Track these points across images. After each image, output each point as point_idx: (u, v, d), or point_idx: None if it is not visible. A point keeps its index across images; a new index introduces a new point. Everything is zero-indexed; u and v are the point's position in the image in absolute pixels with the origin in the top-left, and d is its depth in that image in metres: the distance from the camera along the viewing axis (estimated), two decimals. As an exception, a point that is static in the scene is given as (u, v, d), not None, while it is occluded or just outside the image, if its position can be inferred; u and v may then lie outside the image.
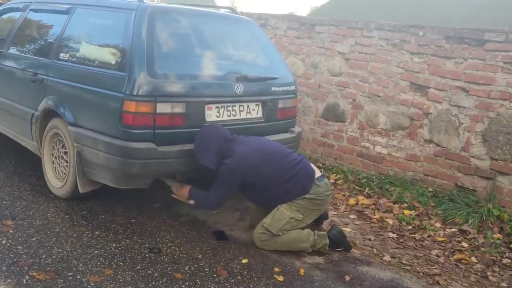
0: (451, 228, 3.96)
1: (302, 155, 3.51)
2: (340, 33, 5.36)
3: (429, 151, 4.69)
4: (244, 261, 3.09)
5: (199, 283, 2.77)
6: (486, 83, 4.26)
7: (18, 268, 2.71)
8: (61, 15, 4.00)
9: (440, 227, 3.97)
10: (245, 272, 2.95)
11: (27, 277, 2.63)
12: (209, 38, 3.87)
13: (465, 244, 3.71)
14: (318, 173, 3.37)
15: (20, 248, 2.94)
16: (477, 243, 3.72)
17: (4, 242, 2.99)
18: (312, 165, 3.44)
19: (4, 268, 2.68)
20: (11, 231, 3.14)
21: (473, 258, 3.50)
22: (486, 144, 4.28)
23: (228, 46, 4.05)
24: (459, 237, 3.82)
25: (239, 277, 2.89)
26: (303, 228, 3.33)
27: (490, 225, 3.93)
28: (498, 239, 3.74)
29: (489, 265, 3.42)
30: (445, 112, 4.55)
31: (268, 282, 2.87)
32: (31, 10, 4.46)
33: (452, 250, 3.61)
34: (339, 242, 3.37)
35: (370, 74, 5.11)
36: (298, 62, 5.78)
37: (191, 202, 3.41)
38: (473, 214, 4.04)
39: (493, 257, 3.52)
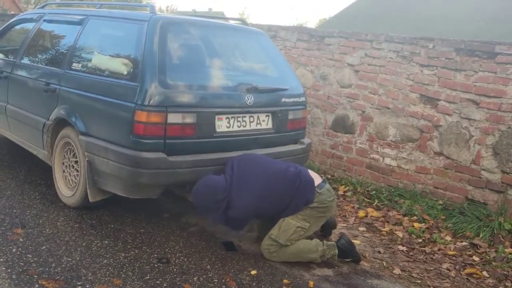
0: (461, 241, 3.92)
1: (297, 165, 3.45)
2: (350, 45, 5.38)
3: (439, 163, 4.66)
4: (253, 272, 3.08)
5: (208, 294, 2.76)
6: (497, 95, 4.25)
7: (28, 276, 2.71)
8: (74, 26, 4.06)
9: (450, 241, 3.93)
10: (254, 284, 2.94)
11: (37, 285, 2.63)
12: (219, 49, 3.90)
13: (476, 258, 3.66)
14: (318, 180, 3.34)
15: (30, 256, 2.95)
16: (488, 257, 3.67)
17: (14, 250, 3.00)
18: (311, 172, 3.39)
19: (14, 277, 2.69)
20: (21, 240, 3.16)
21: (484, 273, 3.45)
22: (497, 157, 4.25)
23: (239, 57, 4.07)
24: (470, 251, 3.77)
25: (248, 289, 2.87)
26: (311, 239, 3.31)
27: (502, 239, 3.88)
28: (510, 253, 3.69)
29: (501, 279, 3.37)
30: (455, 125, 4.53)
31: (277, 294, 2.85)
32: (44, 20, 4.52)
33: (463, 264, 3.57)
34: (348, 252, 3.35)
35: (380, 86, 5.11)
36: (308, 73, 5.79)
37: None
38: (484, 228, 3.99)
39: (505, 272, 3.47)
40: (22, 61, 4.46)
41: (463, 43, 4.50)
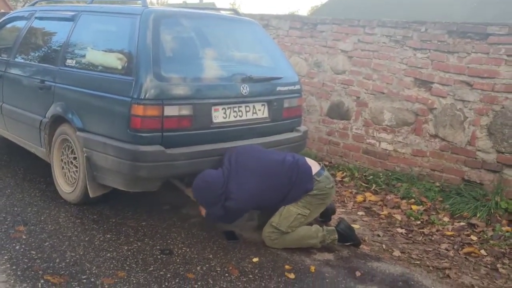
0: (459, 222, 3.97)
1: (295, 154, 3.47)
2: (343, 31, 5.39)
3: (435, 146, 4.70)
4: (255, 259, 3.12)
5: (211, 282, 2.80)
6: (490, 76, 4.28)
7: (33, 272, 2.75)
8: (66, 22, 4.05)
9: (448, 221, 3.98)
10: (257, 271, 2.98)
11: (42, 281, 2.67)
12: (213, 40, 3.91)
13: (474, 238, 3.72)
14: (316, 167, 3.36)
15: (34, 253, 2.98)
16: (486, 236, 3.73)
17: (17, 247, 3.03)
18: (308, 160, 3.42)
19: (19, 273, 2.72)
20: (24, 237, 3.19)
21: (482, 251, 3.51)
22: (491, 137, 4.29)
23: (232, 48, 4.08)
24: (467, 231, 3.83)
25: (250, 276, 2.91)
26: (311, 225, 3.35)
27: (499, 218, 3.94)
28: (507, 231, 3.75)
29: (499, 257, 3.43)
30: (449, 107, 4.56)
31: (279, 279, 2.89)
32: (36, 18, 4.51)
33: (461, 244, 3.63)
34: (347, 236, 3.39)
35: (374, 71, 5.13)
36: (301, 61, 5.80)
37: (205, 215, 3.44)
38: (481, 208, 4.05)
39: (502, 250, 3.53)
40: (16, 59, 4.45)
41: (455, 26, 4.52)
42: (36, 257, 2.93)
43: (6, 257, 2.90)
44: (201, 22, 3.89)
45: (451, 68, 4.53)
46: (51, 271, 2.78)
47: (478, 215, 3.99)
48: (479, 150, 4.38)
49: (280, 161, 3.32)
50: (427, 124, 4.75)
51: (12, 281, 2.63)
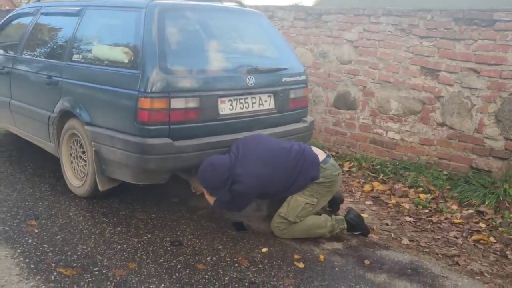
0: (467, 209, 3.97)
1: (301, 143, 3.49)
2: (348, 20, 5.36)
3: (442, 134, 4.69)
4: (264, 250, 3.14)
5: (222, 272, 2.83)
6: (497, 63, 4.25)
7: (45, 265, 2.79)
8: (71, 17, 4.06)
9: (456, 209, 3.98)
10: (266, 261, 3.00)
11: (55, 273, 2.71)
12: (218, 32, 3.91)
13: (482, 225, 3.72)
14: (322, 155, 3.37)
15: (46, 246, 3.03)
16: (494, 223, 3.72)
17: (30, 241, 3.08)
18: (314, 149, 3.43)
19: (32, 266, 2.77)
20: (36, 231, 3.23)
21: (491, 238, 3.51)
22: (499, 124, 4.27)
23: (238, 39, 4.08)
24: (476, 218, 3.83)
25: (260, 266, 2.94)
26: (320, 215, 3.37)
27: (507, 205, 3.93)
28: (516, 218, 3.74)
29: (508, 244, 3.43)
30: (457, 95, 4.54)
31: (289, 269, 2.92)
32: (42, 14, 4.53)
33: (470, 231, 3.63)
34: (356, 225, 3.41)
35: (380, 60, 5.11)
36: (307, 52, 5.79)
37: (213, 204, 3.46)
38: (490, 195, 4.04)
39: (511, 236, 3.53)
40: (23, 55, 4.48)
41: (461, 13, 4.48)
42: (48, 250, 2.98)
43: (19, 250, 2.94)
44: (206, 14, 3.89)
45: (458, 55, 4.51)
46: (63, 264, 2.82)
47: (486, 203, 3.98)
48: (487, 138, 4.36)
49: (287, 149, 3.32)
50: (434, 113, 4.73)
51: (25, 274, 2.67)
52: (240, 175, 3.16)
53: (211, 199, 3.38)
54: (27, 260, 2.83)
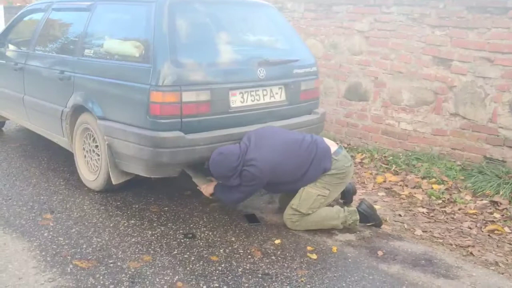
0: (481, 200, 3.94)
1: (313, 134, 3.48)
2: (358, 11, 5.32)
3: (455, 124, 4.64)
4: (277, 241, 3.15)
5: (235, 264, 2.85)
6: (511, 51, 4.18)
7: (61, 258, 2.83)
8: (83, 13, 4.09)
9: (470, 200, 3.95)
10: (279, 252, 3.02)
11: (71, 265, 2.75)
12: (228, 25, 3.90)
13: (497, 215, 3.68)
14: (334, 147, 3.36)
15: (61, 239, 3.07)
16: (509, 214, 3.69)
17: (46, 234, 3.12)
18: (326, 140, 3.42)
19: (48, 259, 2.81)
20: (51, 224, 3.28)
21: (506, 229, 3.48)
22: (514, 113, 4.22)
23: (248, 32, 4.07)
24: (490, 209, 3.79)
25: (273, 257, 2.95)
26: (332, 206, 3.36)
27: (522, 195, 3.89)
28: (531, 208, 3.70)
29: (523, 234, 3.40)
30: (470, 84, 4.49)
31: (302, 260, 2.92)
32: (53, 9, 4.56)
33: (484, 222, 3.60)
34: (369, 216, 3.40)
35: (391, 50, 5.06)
36: (317, 43, 5.75)
37: (211, 197, 3.49)
38: (504, 185, 4.00)
39: (526, 227, 3.50)
40: (35, 51, 4.52)
41: (474, 1, 4.41)
42: (63, 243, 3.02)
43: (35, 243, 2.99)
44: (216, 7, 3.89)
45: (471, 44, 4.45)
46: (78, 256, 2.86)
47: (501, 193, 3.95)
48: (501, 127, 4.31)
49: (299, 140, 3.32)
50: (447, 103, 4.68)
51: (42, 267, 2.72)
52: (253, 159, 3.15)
53: (209, 190, 3.42)
54: (43, 253, 2.87)
